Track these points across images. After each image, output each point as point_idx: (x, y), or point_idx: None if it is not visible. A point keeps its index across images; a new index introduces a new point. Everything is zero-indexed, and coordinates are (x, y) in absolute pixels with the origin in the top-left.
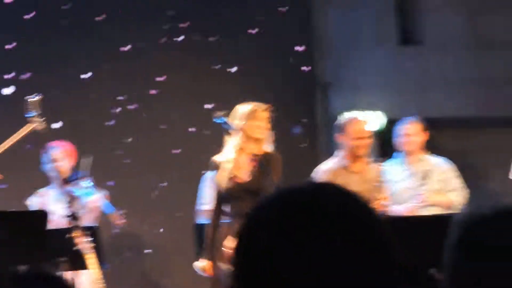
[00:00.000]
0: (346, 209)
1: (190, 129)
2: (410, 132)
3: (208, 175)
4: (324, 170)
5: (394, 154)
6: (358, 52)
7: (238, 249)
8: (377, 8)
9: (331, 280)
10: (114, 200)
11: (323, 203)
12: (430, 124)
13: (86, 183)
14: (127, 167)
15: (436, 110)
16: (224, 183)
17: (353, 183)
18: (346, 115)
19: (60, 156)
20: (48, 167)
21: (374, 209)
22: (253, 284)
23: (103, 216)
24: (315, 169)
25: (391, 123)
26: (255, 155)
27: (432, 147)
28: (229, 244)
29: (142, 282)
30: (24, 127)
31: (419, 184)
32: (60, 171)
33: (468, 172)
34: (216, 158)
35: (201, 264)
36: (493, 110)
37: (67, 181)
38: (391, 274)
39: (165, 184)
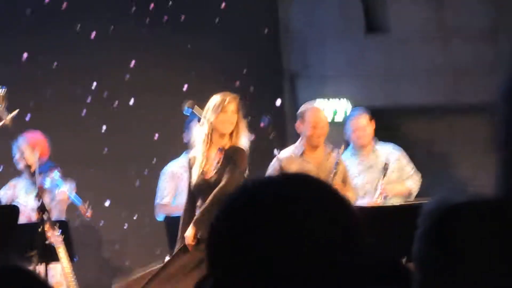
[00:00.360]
0: (316, 200)
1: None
2: (360, 126)
3: (168, 168)
4: (281, 158)
5: (349, 147)
6: (325, 42)
7: (208, 240)
8: None
9: (298, 271)
10: (95, 190)
11: (292, 194)
12: (397, 112)
13: (54, 175)
14: (105, 157)
15: (403, 98)
16: (195, 178)
17: (308, 172)
18: (307, 104)
19: (27, 147)
20: (16, 159)
21: (346, 200)
22: (223, 272)
23: (72, 208)
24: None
25: None
26: (221, 149)
27: (400, 135)
28: (188, 233)
29: (114, 273)
30: None
31: (377, 177)
32: (28, 163)
33: (436, 160)
34: (191, 153)
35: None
36: (459, 98)
37: (36, 172)
38: (361, 265)
39: (146, 172)
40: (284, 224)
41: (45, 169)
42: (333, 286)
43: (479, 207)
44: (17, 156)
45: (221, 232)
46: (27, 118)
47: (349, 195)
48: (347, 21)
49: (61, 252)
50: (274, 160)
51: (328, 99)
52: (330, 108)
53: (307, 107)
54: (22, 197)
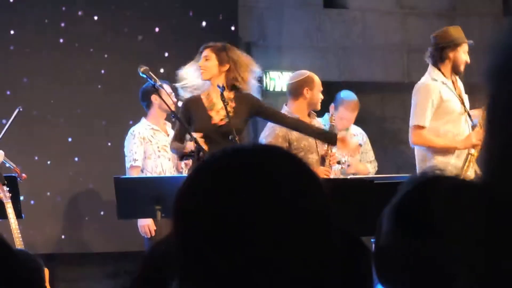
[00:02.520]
0: (287, 174)
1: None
2: (352, 116)
3: (136, 130)
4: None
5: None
6: (282, 13)
7: (175, 202)
8: None
9: (268, 249)
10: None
11: (266, 166)
12: (351, 87)
13: None
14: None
15: (358, 73)
16: (200, 122)
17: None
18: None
19: None
20: None
21: (315, 174)
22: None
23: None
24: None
25: None
26: (224, 99)
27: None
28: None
29: (60, 231)
30: None
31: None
32: None
33: (388, 137)
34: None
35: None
36: (413, 76)
37: None
38: (331, 242)
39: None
40: (253, 192)
41: None
42: (298, 257)
43: (458, 183)
44: None
45: (193, 196)
46: None
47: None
48: None
49: (9, 208)
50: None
51: (282, 72)
52: (284, 79)
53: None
54: None
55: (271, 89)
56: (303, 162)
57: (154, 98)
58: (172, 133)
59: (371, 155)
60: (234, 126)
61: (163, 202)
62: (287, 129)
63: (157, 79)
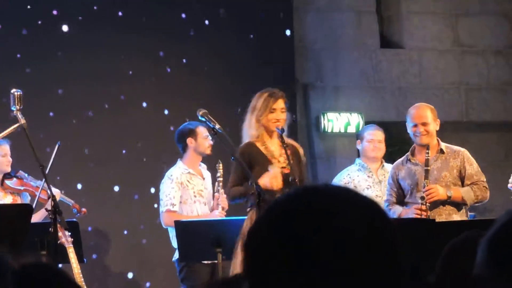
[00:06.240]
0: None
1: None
2: (378, 137)
3: (174, 175)
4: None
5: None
6: (339, 53)
7: (246, 241)
8: (358, 10)
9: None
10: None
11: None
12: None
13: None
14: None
15: None
16: (262, 170)
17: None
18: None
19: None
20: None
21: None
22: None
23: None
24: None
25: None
26: (285, 144)
27: None
28: None
29: (120, 276)
30: None
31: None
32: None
33: None
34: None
35: None
36: (472, 115)
37: (8, 176)
38: (399, 281)
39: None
40: (325, 235)
41: (13, 173)
42: None
43: None
44: (6, 158)
45: (266, 236)
46: None
47: (463, 191)
48: (362, 34)
49: (71, 253)
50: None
51: (340, 113)
52: (342, 121)
53: (412, 106)
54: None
55: (329, 131)
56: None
57: (189, 141)
58: (208, 175)
59: None
60: (296, 173)
61: (223, 245)
62: (396, 170)
63: (216, 122)
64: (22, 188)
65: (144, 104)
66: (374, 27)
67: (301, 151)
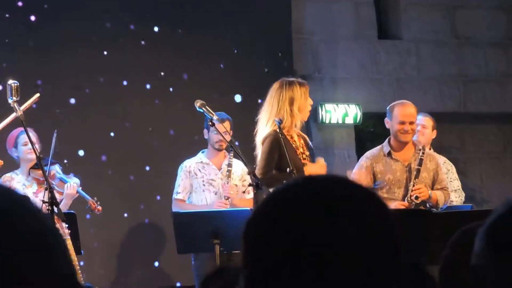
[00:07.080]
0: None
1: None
2: (426, 124)
3: (185, 164)
4: (369, 156)
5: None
6: (337, 45)
7: (244, 232)
8: (356, 1)
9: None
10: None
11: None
12: None
13: (58, 169)
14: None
15: (414, 104)
16: (294, 161)
17: (395, 171)
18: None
19: (34, 139)
20: (21, 151)
21: (388, 209)
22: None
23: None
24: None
25: (368, 116)
26: (303, 137)
27: None
28: None
29: (119, 268)
30: None
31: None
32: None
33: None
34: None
35: None
36: (469, 106)
37: (36, 166)
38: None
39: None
40: (325, 225)
41: (46, 162)
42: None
43: None
44: (23, 147)
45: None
46: None
47: (438, 195)
48: (361, 25)
49: (68, 245)
50: (362, 157)
51: (338, 104)
52: (339, 112)
53: (396, 103)
54: (19, 191)
55: (327, 122)
56: (371, 192)
57: (205, 132)
58: (237, 167)
59: (456, 184)
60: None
61: (221, 236)
62: (373, 161)
63: (213, 113)
64: (41, 179)
65: (125, 83)
66: (372, 18)
67: (309, 142)
